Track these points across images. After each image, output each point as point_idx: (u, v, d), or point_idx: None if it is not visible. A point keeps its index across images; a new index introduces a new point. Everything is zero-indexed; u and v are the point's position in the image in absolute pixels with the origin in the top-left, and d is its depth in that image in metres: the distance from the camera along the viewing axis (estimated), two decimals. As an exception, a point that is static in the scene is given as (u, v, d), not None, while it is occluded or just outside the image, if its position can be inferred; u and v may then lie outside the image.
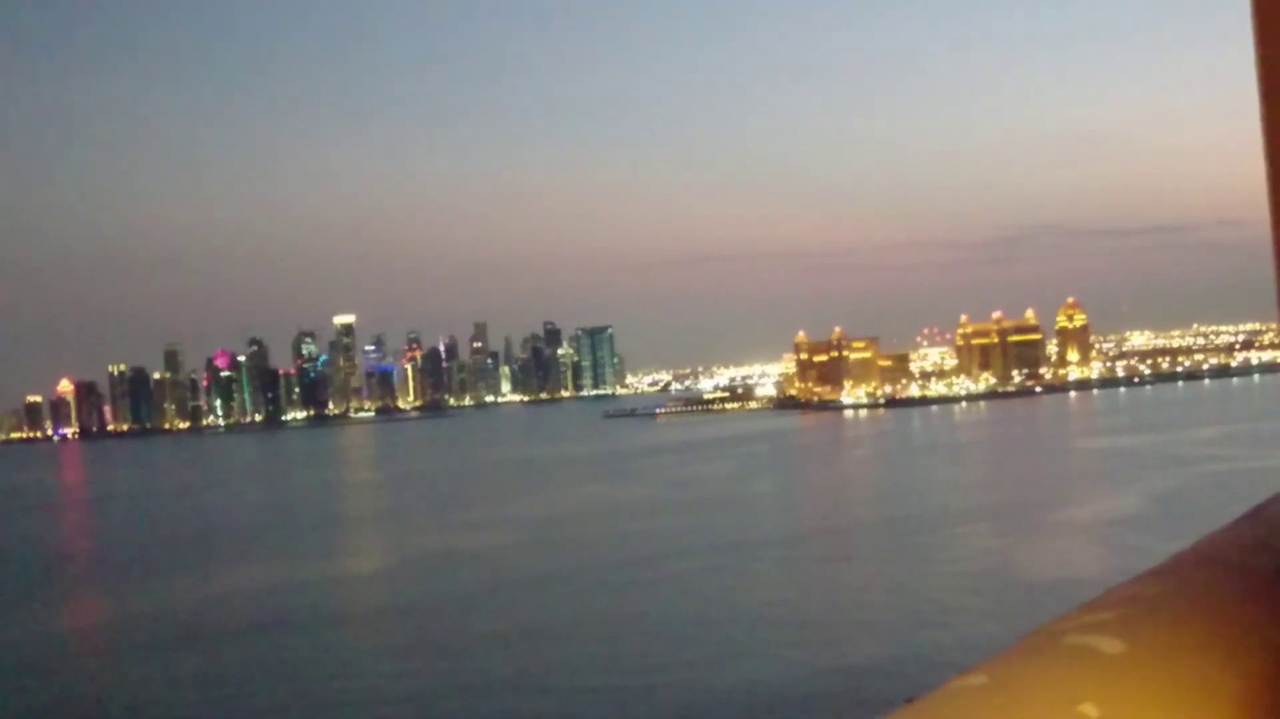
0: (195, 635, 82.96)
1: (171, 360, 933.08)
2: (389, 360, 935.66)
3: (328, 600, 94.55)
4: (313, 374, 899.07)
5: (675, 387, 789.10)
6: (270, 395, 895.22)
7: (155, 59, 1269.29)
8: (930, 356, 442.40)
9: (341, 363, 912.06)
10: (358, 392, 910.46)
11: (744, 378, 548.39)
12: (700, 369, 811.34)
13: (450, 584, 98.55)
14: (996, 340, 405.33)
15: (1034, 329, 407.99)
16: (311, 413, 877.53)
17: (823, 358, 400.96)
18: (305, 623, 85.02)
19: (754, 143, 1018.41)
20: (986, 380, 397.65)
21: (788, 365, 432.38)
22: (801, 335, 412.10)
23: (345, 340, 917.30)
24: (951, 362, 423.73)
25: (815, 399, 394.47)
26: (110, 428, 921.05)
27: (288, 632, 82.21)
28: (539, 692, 62.03)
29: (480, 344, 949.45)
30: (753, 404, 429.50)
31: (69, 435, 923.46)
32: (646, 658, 68.14)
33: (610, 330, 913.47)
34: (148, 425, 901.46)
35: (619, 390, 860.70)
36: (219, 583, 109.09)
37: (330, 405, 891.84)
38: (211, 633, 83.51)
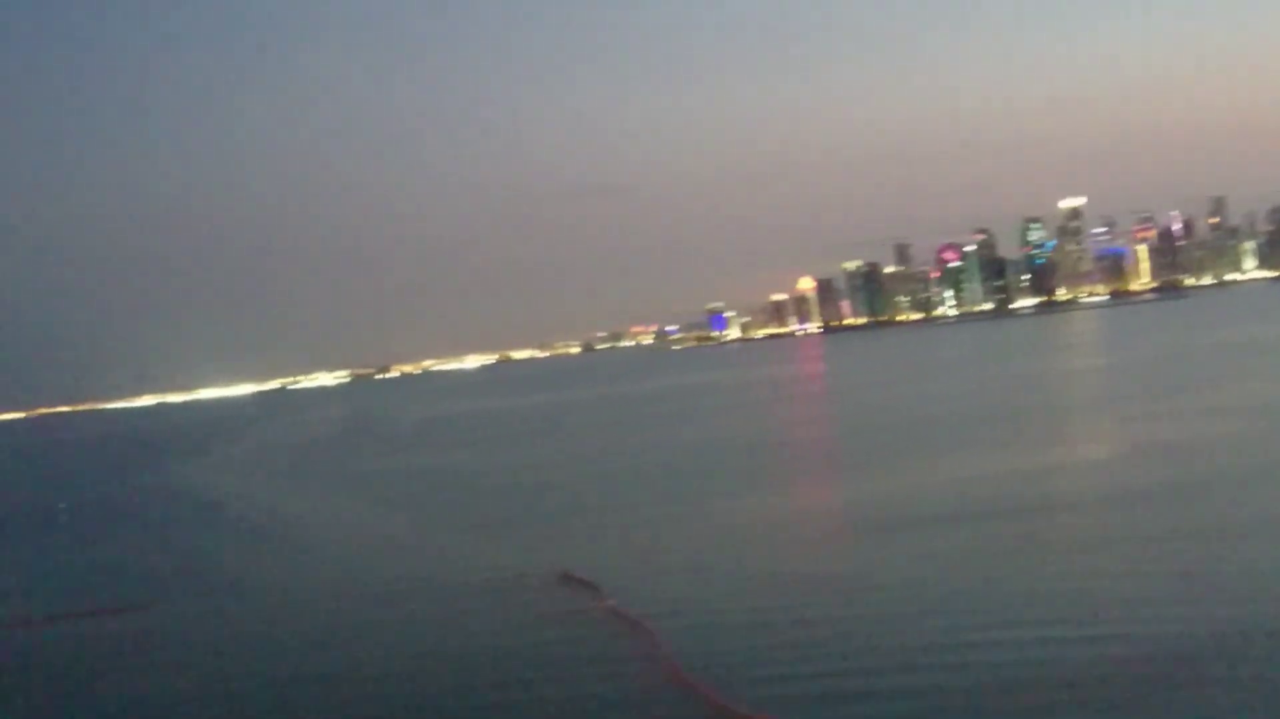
0: (913, 519, 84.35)
1: (901, 254, 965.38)
2: (1119, 242, 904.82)
3: (1040, 488, 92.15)
4: (1040, 260, 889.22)
5: None
6: (998, 284, 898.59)
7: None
8: None
9: (1070, 247, 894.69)
10: (1087, 275, 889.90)
11: None
12: None
13: (1174, 473, 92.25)
14: None
15: None
16: (1041, 299, 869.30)
17: None
18: (1017, 510, 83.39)
19: None
20: None
21: None
22: None
23: (1073, 224, 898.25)
24: None
25: None
26: (847, 321, 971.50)
27: (1000, 518, 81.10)
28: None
29: (1218, 219, 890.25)
30: None
31: (810, 330, 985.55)
32: None
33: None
34: (881, 318, 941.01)
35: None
36: (938, 469, 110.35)
37: (1059, 291, 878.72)
38: (928, 517, 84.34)
